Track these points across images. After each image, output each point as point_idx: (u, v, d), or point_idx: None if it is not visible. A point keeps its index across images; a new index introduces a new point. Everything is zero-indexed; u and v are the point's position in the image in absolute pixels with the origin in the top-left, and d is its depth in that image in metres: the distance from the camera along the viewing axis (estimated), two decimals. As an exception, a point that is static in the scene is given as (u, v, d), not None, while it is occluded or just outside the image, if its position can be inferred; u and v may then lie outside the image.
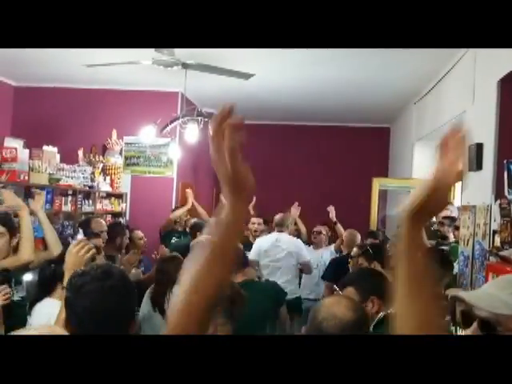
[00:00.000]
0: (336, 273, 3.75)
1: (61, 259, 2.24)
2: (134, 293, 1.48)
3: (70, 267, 1.82)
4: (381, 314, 2.04)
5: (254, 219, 4.92)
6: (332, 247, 5.08)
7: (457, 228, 4.20)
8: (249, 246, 4.40)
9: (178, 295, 0.85)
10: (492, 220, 3.21)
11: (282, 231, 4.47)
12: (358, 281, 2.22)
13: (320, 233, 5.10)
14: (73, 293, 1.37)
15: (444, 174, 0.84)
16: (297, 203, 5.25)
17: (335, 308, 1.43)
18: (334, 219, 5.25)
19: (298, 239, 4.70)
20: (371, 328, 2.03)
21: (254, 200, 5.23)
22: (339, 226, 5.18)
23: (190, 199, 5.81)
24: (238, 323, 1.69)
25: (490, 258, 3.14)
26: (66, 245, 4.69)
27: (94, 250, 1.94)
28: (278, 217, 4.59)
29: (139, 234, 4.61)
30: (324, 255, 4.92)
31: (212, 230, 0.87)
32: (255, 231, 4.84)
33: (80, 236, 2.12)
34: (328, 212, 5.33)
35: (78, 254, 1.85)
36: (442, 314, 0.93)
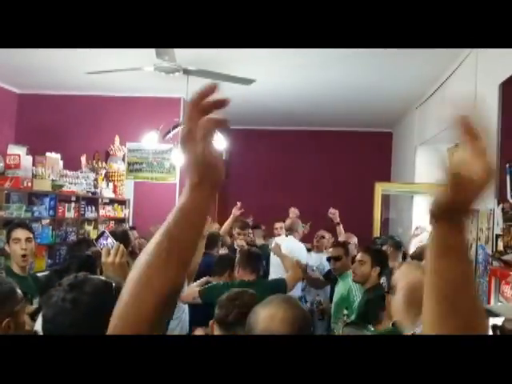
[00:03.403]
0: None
1: (68, 268, 2.23)
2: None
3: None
4: None
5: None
6: None
7: None
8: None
9: (127, 287, 0.77)
10: (495, 224, 3.20)
11: (290, 235, 4.86)
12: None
13: (323, 237, 5.17)
14: (43, 302, 1.28)
15: (465, 167, 0.67)
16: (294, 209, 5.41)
17: (271, 324, 1.38)
18: (338, 220, 5.24)
19: (301, 244, 4.84)
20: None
21: (241, 209, 5.07)
22: (341, 228, 5.21)
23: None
24: None
25: (493, 262, 3.12)
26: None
27: (124, 251, 1.69)
28: (287, 222, 5.04)
29: (134, 233, 4.64)
30: (323, 259, 4.96)
31: (170, 217, 0.76)
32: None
33: (104, 241, 1.81)
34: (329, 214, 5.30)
35: (114, 265, 1.63)
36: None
